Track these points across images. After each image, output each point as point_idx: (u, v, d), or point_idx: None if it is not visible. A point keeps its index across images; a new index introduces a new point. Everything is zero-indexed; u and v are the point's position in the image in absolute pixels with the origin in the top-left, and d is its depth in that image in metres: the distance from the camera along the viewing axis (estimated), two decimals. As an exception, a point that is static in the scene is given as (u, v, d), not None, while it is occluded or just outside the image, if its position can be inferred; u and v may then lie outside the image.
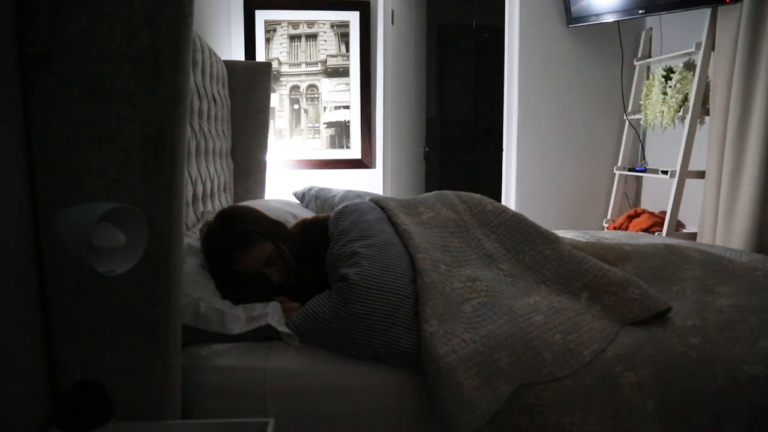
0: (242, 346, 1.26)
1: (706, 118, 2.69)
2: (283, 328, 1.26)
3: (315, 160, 3.38)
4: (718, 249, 1.90)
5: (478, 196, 1.69)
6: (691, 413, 1.13)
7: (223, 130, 2.46)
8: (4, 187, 0.93)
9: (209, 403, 1.19)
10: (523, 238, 1.53)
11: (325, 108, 3.38)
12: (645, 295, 1.30)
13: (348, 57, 3.35)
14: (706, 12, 2.60)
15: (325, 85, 3.36)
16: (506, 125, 3.47)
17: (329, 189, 2.44)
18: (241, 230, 1.45)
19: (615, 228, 3.14)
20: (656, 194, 3.26)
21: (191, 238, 1.55)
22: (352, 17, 3.32)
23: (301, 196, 2.54)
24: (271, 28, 3.31)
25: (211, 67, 2.29)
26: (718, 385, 1.15)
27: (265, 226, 1.50)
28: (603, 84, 3.34)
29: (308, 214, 2.18)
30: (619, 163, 3.33)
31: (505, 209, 1.62)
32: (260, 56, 3.29)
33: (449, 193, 1.70)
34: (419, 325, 1.21)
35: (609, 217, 3.36)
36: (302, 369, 1.21)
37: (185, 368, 1.18)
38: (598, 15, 3.04)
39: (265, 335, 1.27)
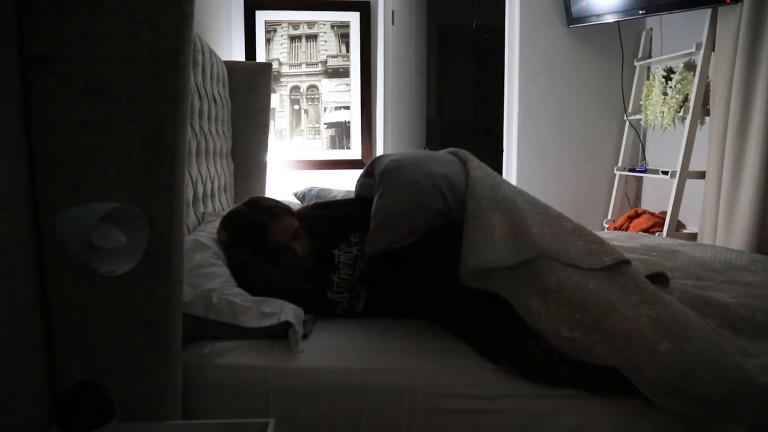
0: (246, 345, 1.26)
1: (707, 119, 2.69)
2: (299, 328, 1.26)
3: (315, 161, 3.38)
4: (719, 249, 1.90)
5: None
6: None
7: (223, 131, 2.46)
8: (4, 187, 0.93)
9: (211, 401, 1.18)
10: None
11: (325, 108, 3.38)
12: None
13: (348, 57, 3.35)
14: (707, 12, 2.60)
15: (326, 85, 3.37)
16: (506, 125, 3.47)
17: (330, 189, 2.44)
18: (271, 205, 1.59)
19: (615, 228, 3.14)
20: (656, 194, 3.26)
21: (199, 235, 1.57)
22: (353, 18, 3.32)
23: (302, 197, 2.53)
24: (271, 28, 3.31)
25: (212, 67, 2.29)
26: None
27: (285, 206, 1.64)
28: (603, 84, 3.34)
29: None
30: (620, 164, 3.33)
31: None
32: (260, 57, 3.30)
33: None
34: (468, 172, 1.39)
35: (609, 217, 3.36)
36: (305, 368, 1.21)
37: (187, 366, 1.18)
38: (598, 15, 3.04)
39: (272, 332, 1.27)
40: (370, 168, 1.59)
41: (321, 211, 1.70)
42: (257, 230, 1.52)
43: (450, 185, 1.36)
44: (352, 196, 2.22)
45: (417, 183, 1.36)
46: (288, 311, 1.29)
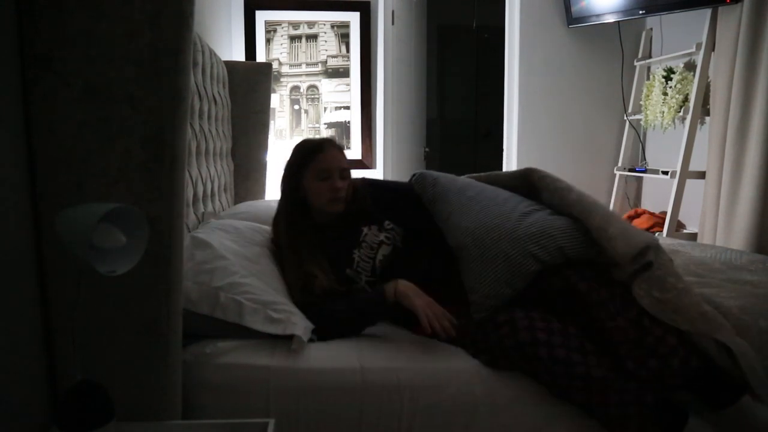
0: (247, 345, 1.26)
1: (707, 119, 2.69)
2: (306, 336, 1.26)
3: (315, 161, 3.38)
4: (719, 249, 1.90)
5: None
6: None
7: (223, 131, 2.46)
8: (5, 187, 0.93)
9: (213, 400, 1.19)
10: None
11: (325, 108, 3.38)
12: (625, 230, 1.33)
13: (348, 57, 3.35)
14: (707, 12, 2.60)
15: (326, 85, 3.37)
16: (506, 125, 3.47)
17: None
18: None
19: (615, 228, 3.13)
20: (657, 194, 3.26)
21: (202, 233, 1.56)
22: (353, 18, 3.32)
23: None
24: (271, 28, 3.31)
25: (212, 67, 2.29)
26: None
27: None
28: (603, 84, 3.34)
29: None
30: (620, 164, 3.33)
31: None
32: (260, 57, 3.29)
33: None
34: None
35: (609, 217, 3.35)
36: (306, 368, 1.21)
37: (190, 365, 1.18)
38: (598, 15, 3.04)
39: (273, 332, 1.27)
40: (419, 183, 1.68)
41: (368, 187, 1.70)
42: (315, 147, 1.59)
43: (538, 241, 1.36)
44: None
45: (506, 256, 1.35)
46: (295, 321, 1.28)
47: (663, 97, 2.85)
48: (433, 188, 1.64)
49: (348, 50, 3.34)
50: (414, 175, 1.76)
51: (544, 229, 1.38)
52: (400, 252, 1.58)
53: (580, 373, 1.15)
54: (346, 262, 1.53)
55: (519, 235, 1.37)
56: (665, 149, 3.11)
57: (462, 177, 1.73)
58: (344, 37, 3.34)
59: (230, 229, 1.65)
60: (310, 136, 3.06)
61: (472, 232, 1.43)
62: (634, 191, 3.45)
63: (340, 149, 1.63)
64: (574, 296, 1.28)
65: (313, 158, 1.57)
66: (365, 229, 1.58)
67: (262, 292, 1.33)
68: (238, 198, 2.68)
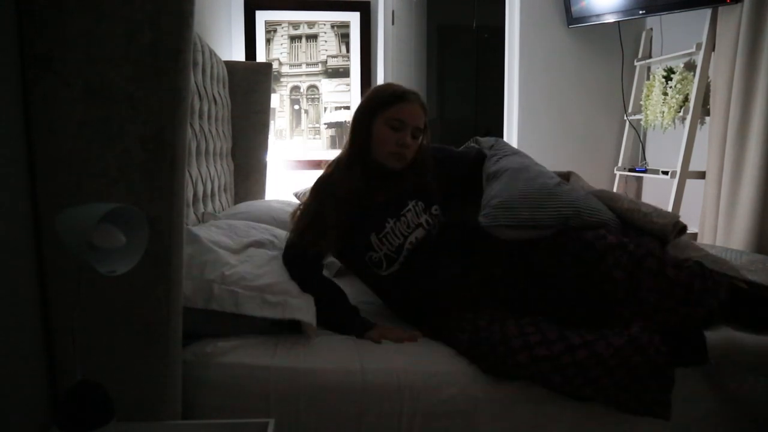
0: (248, 344, 1.26)
1: (707, 119, 2.69)
2: (310, 319, 1.26)
3: (315, 161, 3.38)
4: (719, 249, 1.90)
5: None
6: None
7: (223, 131, 2.46)
8: (5, 187, 0.93)
9: (213, 400, 1.19)
10: None
11: (325, 108, 3.38)
12: (655, 208, 1.44)
13: (348, 57, 3.35)
14: (707, 12, 2.60)
15: (326, 85, 3.37)
16: (506, 125, 3.47)
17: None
18: None
19: (615, 228, 3.13)
20: (657, 195, 3.26)
21: (192, 228, 1.56)
22: (353, 18, 3.32)
23: (302, 197, 2.53)
24: (271, 28, 3.31)
25: (212, 67, 2.29)
26: None
27: None
28: (603, 84, 3.34)
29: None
30: (620, 164, 3.33)
31: None
32: (261, 57, 3.30)
33: None
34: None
35: (609, 217, 3.35)
36: (306, 368, 1.21)
37: (190, 364, 1.18)
38: (598, 15, 3.04)
39: (276, 323, 1.27)
40: (481, 141, 1.80)
41: (435, 154, 1.64)
42: (399, 95, 1.51)
43: (582, 198, 1.43)
44: None
45: (547, 188, 1.43)
46: (293, 304, 1.27)
47: (663, 97, 2.84)
48: (496, 141, 1.79)
49: (348, 50, 3.34)
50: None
51: (587, 195, 1.48)
52: (431, 241, 1.50)
53: (569, 361, 1.15)
54: (375, 227, 1.46)
55: (563, 188, 1.46)
56: (665, 149, 3.11)
57: None
58: (344, 37, 3.34)
59: (224, 225, 1.66)
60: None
61: (522, 166, 1.53)
62: (634, 191, 3.45)
63: (423, 108, 1.55)
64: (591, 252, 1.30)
65: (393, 104, 1.49)
66: (410, 204, 1.51)
67: (255, 278, 1.32)
68: (238, 198, 2.68)
